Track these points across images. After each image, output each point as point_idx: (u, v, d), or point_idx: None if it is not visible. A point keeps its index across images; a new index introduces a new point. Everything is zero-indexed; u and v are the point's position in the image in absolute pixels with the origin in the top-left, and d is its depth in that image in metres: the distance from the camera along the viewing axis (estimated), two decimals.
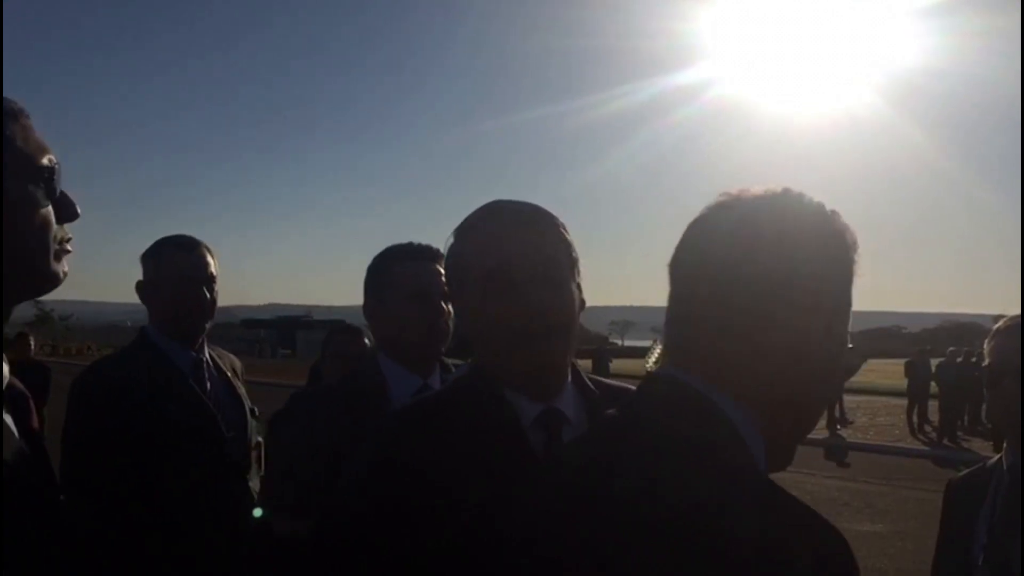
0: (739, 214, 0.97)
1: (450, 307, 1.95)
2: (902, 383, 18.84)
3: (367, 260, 2.10)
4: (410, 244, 2.05)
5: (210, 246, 2.53)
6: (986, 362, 1.85)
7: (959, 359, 17.10)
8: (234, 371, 2.64)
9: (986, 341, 1.87)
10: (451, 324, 1.97)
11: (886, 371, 31.31)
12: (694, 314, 0.97)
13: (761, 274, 0.93)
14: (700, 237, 1.00)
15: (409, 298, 1.96)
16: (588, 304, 1.38)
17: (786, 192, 0.98)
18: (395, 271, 2.00)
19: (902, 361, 19.98)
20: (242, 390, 2.59)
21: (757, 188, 1.00)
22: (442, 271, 1.96)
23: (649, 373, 0.99)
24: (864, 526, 8.58)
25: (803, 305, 0.93)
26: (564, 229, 1.37)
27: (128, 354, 2.48)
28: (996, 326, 1.85)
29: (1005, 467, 1.82)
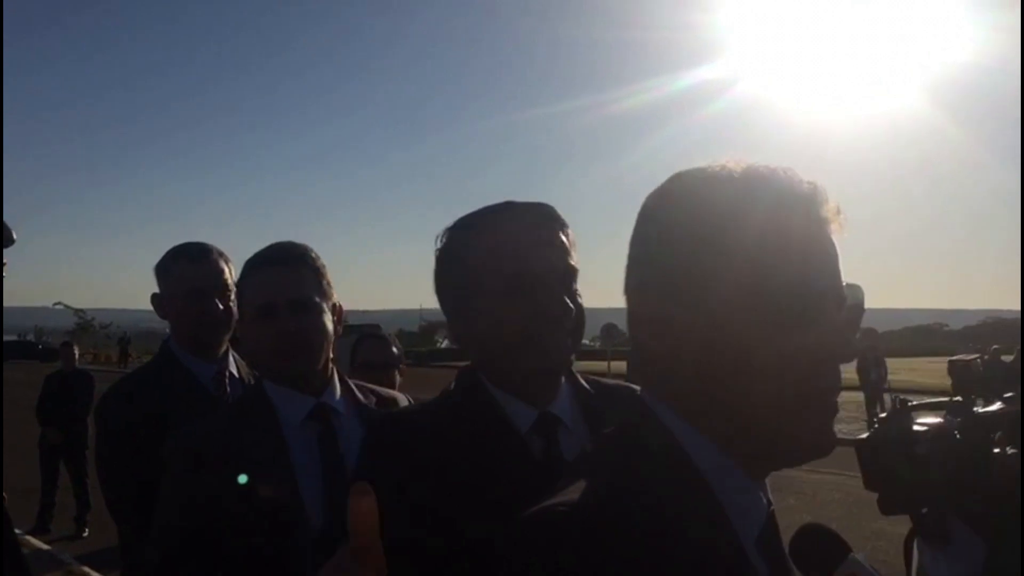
0: (660, 191, 0.89)
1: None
2: (945, 382, 18.33)
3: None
4: (263, 250, 1.88)
5: (224, 252, 2.41)
6: None
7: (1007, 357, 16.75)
8: None
9: None
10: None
11: (928, 370, 30.69)
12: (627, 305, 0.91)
13: (670, 249, 0.84)
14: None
15: (255, 314, 1.80)
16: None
17: (721, 166, 0.85)
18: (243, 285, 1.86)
19: (944, 359, 19.53)
20: None
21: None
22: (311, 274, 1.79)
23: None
24: (902, 527, 8.38)
25: (716, 285, 0.80)
26: (571, 233, 1.36)
27: (149, 370, 2.42)
28: None
29: None
